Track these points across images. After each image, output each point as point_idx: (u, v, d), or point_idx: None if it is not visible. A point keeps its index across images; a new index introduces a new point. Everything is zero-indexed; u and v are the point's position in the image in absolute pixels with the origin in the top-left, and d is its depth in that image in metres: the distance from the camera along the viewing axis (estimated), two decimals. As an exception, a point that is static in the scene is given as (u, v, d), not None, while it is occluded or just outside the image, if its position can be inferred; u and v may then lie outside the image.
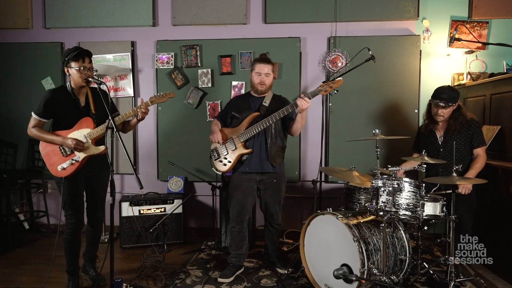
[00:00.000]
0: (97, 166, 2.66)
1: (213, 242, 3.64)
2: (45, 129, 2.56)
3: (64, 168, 2.54)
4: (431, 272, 2.69)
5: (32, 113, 2.54)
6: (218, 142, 2.93)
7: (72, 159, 2.54)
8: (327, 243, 2.61)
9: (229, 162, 2.92)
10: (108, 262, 2.31)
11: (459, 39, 3.57)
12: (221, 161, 2.96)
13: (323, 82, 2.78)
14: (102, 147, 2.63)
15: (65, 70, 2.53)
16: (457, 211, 2.67)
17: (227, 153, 2.93)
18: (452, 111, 2.98)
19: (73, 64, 2.48)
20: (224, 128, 3.02)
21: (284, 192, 3.05)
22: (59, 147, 2.55)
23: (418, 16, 3.83)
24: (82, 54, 2.49)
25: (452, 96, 2.92)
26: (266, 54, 3.07)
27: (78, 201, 2.62)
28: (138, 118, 2.66)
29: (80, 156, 2.55)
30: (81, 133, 2.56)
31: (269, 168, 2.90)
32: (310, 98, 2.72)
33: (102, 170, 2.72)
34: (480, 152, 2.97)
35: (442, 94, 2.93)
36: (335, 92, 2.73)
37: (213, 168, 3.03)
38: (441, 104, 2.92)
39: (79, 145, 2.52)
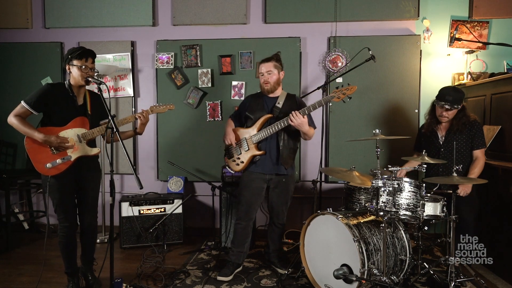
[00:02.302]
0: (87, 168, 2.62)
1: (213, 242, 3.64)
2: (28, 122, 2.44)
3: (53, 167, 2.46)
4: (432, 272, 2.69)
5: (22, 101, 2.43)
6: (231, 144, 2.96)
7: (64, 158, 2.48)
8: (327, 243, 2.61)
9: (242, 162, 2.95)
10: (108, 262, 2.31)
11: (459, 39, 3.58)
12: (234, 161, 3.00)
13: (336, 88, 2.77)
14: (96, 149, 2.61)
15: (67, 67, 2.50)
16: (460, 213, 2.67)
17: (240, 153, 2.96)
18: (456, 112, 2.97)
19: (75, 62, 2.46)
20: (238, 127, 3.03)
21: (292, 193, 3.06)
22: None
23: (418, 16, 3.83)
24: (86, 54, 2.48)
25: (458, 98, 2.91)
26: (277, 53, 3.04)
27: (69, 203, 2.56)
28: (137, 131, 2.70)
29: (72, 155, 2.51)
30: (76, 132, 2.52)
31: (281, 170, 2.91)
32: (305, 114, 2.72)
33: (93, 171, 2.69)
34: (479, 154, 2.96)
35: (448, 96, 2.91)
36: (348, 99, 2.71)
37: (227, 167, 3.11)
38: (447, 106, 2.90)
39: (63, 144, 2.45)
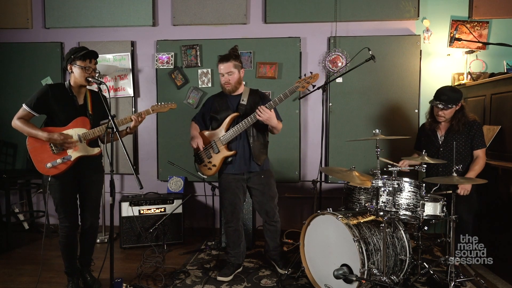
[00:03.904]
0: (89, 168, 2.61)
1: (213, 242, 3.64)
2: (31, 123, 2.48)
3: (53, 166, 2.47)
4: (431, 272, 2.69)
5: (23, 105, 2.46)
6: (199, 147, 2.88)
7: (64, 158, 2.49)
8: (327, 243, 2.61)
9: (214, 166, 2.89)
10: (108, 262, 2.31)
11: (459, 39, 3.58)
12: (205, 165, 2.93)
13: (299, 78, 2.78)
14: (97, 149, 2.60)
15: (68, 67, 2.50)
16: (458, 212, 2.67)
17: (211, 157, 2.89)
18: (454, 111, 2.98)
19: (79, 63, 2.45)
20: (204, 130, 2.97)
21: (275, 187, 3.02)
22: (49, 144, 2.47)
23: (418, 16, 3.83)
24: (89, 55, 2.49)
25: (453, 98, 2.92)
26: (234, 47, 2.94)
27: (70, 203, 2.56)
28: (128, 131, 2.67)
29: (72, 155, 2.51)
30: (76, 132, 2.52)
31: (255, 167, 2.88)
32: (271, 108, 2.69)
33: (95, 172, 2.68)
34: (480, 153, 2.97)
35: (442, 95, 2.93)
36: (313, 86, 2.77)
37: (198, 173, 3.02)
38: (440, 106, 2.92)
39: (66, 141, 2.46)
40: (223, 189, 2.96)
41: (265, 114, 2.67)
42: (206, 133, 2.94)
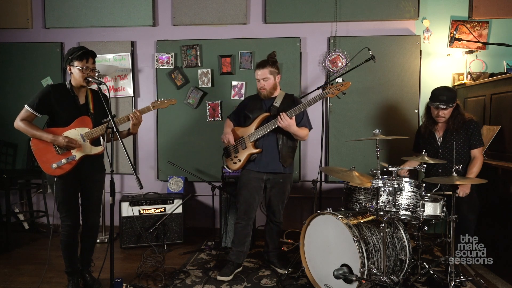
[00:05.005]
0: (91, 167, 2.62)
1: (213, 242, 3.64)
2: (34, 124, 2.49)
3: (58, 167, 2.48)
4: (431, 272, 2.69)
5: (26, 105, 2.47)
6: (230, 143, 2.98)
7: (68, 158, 2.50)
8: (327, 243, 2.61)
9: (239, 160, 2.97)
10: (108, 262, 2.31)
11: (459, 39, 3.58)
12: (231, 159, 3.02)
13: (330, 84, 2.78)
14: (100, 148, 2.60)
15: (68, 68, 2.51)
16: (461, 212, 2.67)
17: (238, 152, 2.98)
18: (451, 111, 2.98)
19: (76, 63, 2.46)
20: (236, 127, 3.06)
21: (289, 192, 3.08)
22: (53, 144, 2.48)
23: (418, 16, 3.83)
24: (86, 54, 2.49)
25: (451, 97, 2.93)
26: (272, 53, 3.03)
27: (72, 202, 2.57)
28: (130, 131, 2.67)
29: (76, 155, 2.52)
30: (79, 131, 2.53)
31: (279, 168, 2.93)
32: (292, 116, 2.75)
33: (97, 171, 2.69)
34: (477, 153, 2.97)
35: (441, 96, 2.93)
36: (343, 94, 2.75)
37: (224, 166, 3.14)
38: (442, 106, 2.92)
39: (71, 144, 2.47)
40: (242, 185, 3.01)
41: (285, 121, 2.74)
42: (238, 129, 3.04)
